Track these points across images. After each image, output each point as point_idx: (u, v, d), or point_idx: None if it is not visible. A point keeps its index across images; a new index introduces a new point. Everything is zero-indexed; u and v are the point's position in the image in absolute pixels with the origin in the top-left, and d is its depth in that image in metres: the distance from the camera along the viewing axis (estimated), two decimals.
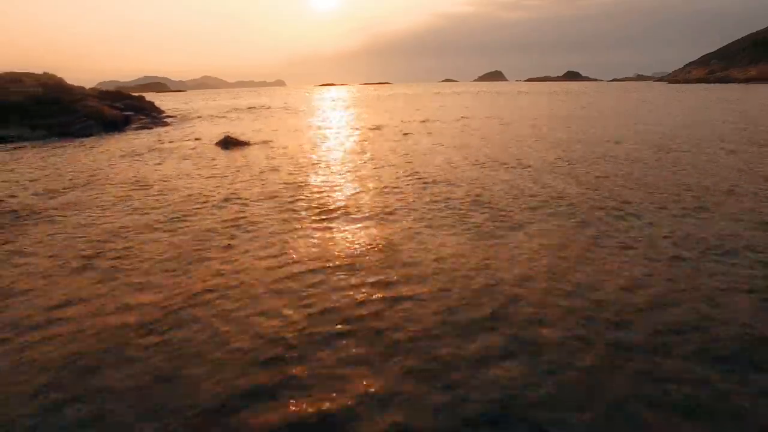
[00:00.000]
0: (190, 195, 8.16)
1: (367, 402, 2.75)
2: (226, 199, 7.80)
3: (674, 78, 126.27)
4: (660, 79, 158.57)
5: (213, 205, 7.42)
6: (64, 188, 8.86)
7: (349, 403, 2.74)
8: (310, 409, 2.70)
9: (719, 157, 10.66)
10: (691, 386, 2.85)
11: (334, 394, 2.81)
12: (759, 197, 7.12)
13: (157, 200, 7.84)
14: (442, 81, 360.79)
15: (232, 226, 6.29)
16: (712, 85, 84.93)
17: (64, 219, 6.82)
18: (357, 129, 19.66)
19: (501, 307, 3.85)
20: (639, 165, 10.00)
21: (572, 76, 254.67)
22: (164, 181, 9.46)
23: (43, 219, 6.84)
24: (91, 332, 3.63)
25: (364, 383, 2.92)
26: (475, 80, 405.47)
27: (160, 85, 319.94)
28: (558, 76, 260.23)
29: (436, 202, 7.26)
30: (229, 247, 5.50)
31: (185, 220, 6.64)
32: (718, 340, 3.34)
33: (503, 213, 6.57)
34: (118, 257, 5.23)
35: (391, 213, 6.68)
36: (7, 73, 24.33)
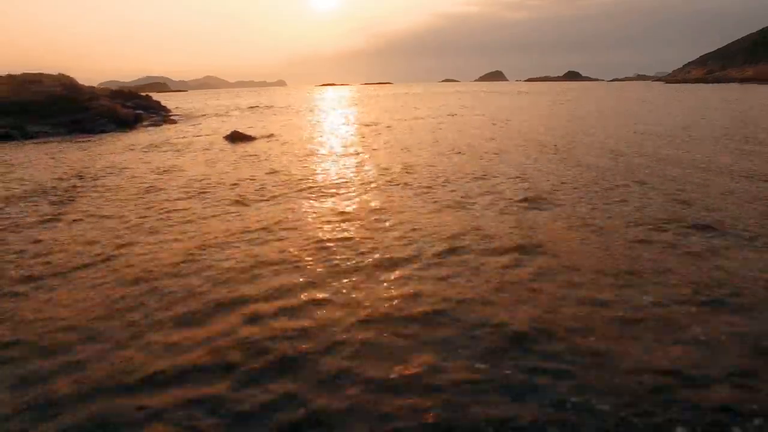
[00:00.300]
0: (208, 176, 9.71)
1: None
2: (239, 179, 9.36)
3: (673, 78, 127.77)
4: (658, 79, 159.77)
5: (229, 183, 8.98)
6: (109, 170, 10.43)
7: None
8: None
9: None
10: None
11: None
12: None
13: (182, 181, 9.38)
14: (443, 81, 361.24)
15: (243, 198, 7.84)
16: (710, 85, 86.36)
17: (119, 189, 8.37)
18: (351, 126, 21.23)
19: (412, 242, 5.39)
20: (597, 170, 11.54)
21: (572, 76, 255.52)
22: (184, 168, 11.02)
23: (105, 188, 8.39)
24: (154, 254, 5.17)
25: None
26: (475, 80, 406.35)
27: (161, 85, 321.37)
28: (558, 76, 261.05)
29: (391, 182, 8.81)
30: (238, 210, 7.04)
31: (206, 193, 8.20)
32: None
33: (412, 185, 8.11)
34: (161, 218, 6.78)
35: (367, 184, 8.23)
36: (26, 74, 25.98)
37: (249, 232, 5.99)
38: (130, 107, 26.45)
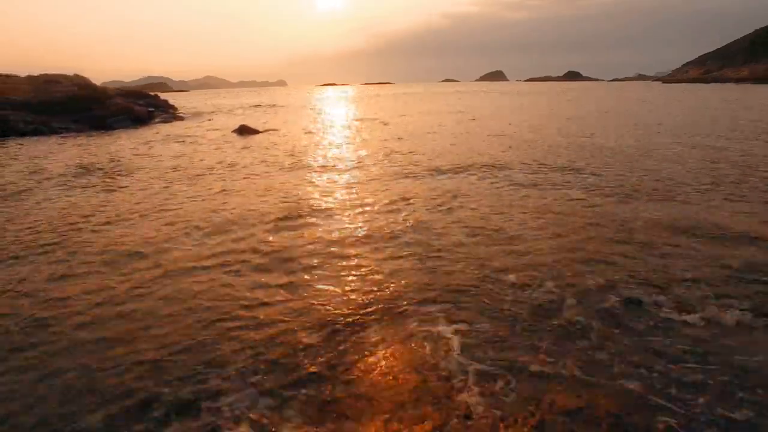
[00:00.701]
0: (224, 160, 11.63)
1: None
2: (251, 162, 11.29)
3: (672, 77, 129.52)
4: (657, 79, 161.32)
5: (243, 165, 10.90)
6: (137, 155, 12.36)
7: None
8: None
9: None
10: None
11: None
12: None
13: (204, 164, 11.31)
14: (443, 81, 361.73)
15: (253, 174, 9.76)
16: (707, 84, 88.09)
17: (151, 168, 10.30)
18: (346, 121, 23.19)
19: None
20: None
21: (573, 76, 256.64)
22: (202, 155, 12.95)
23: (138, 168, 10.32)
24: (190, 212, 7.07)
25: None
26: (476, 80, 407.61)
27: (162, 86, 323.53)
28: (558, 76, 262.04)
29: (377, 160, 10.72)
30: (250, 179, 8.97)
31: (223, 171, 10.12)
32: None
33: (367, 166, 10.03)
34: (192, 183, 8.70)
35: (356, 163, 10.15)
36: (44, 75, 28.04)
37: (261, 191, 7.92)
38: (143, 105, 28.42)
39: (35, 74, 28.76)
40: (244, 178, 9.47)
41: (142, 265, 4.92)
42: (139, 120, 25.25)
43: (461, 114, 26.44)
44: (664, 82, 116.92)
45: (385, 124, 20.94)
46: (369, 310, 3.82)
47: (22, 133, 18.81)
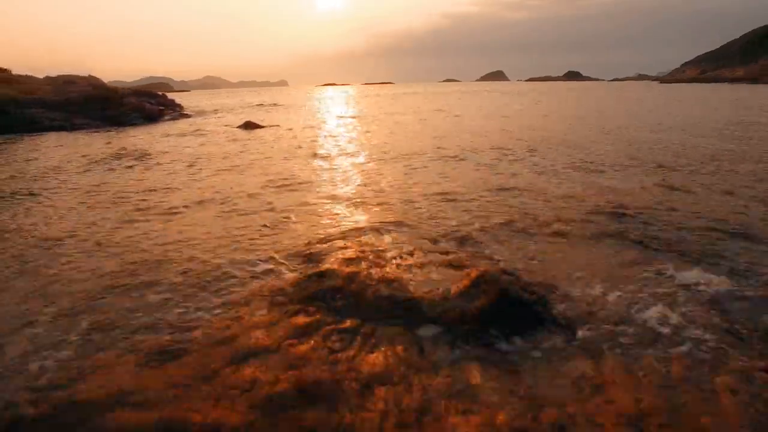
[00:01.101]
0: (235, 148, 13.67)
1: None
2: (257, 149, 13.33)
3: (671, 78, 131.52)
4: (656, 79, 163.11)
5: (250, 152, 12.94)
6: (158, 145, 14.41)
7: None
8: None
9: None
10: None
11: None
12: None
13: (219, 151, 13.36)
14: (444, 81, 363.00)
15: (259, 158, 11.80)
16: (701, 84, 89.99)
17: (173, 155, 12.34)
18: (340, 118, 25.27)
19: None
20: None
21: (573, 75, 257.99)
22: (216, 144, 14.99)
23: (163, 154, 12.36)
24: (216, 183, 9.10)
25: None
26: (476, 80, 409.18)
27: (163, 86, 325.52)
28: (559, 76, 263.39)
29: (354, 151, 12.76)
30: (257, 161, 11.00)
31: (234, 156, 12.16)
32: None
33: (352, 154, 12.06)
34: (212, 164, 10.74)
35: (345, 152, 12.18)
36: (62, 76, 30.20)
37: (266, 169, 9.97)
38: (153, 104, 30.52)
39: (52, 75, 30.88)
40: (253, 159, 11.51)
41: (187, 214, 6.96)
42: (150, 117, 27.32)
43: (449, 114, 28.50)
44: (661, 82, 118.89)
45: (379, 120, 23.01)
46: (334, 230, 5.85)
47: (49, 129, 20.85)
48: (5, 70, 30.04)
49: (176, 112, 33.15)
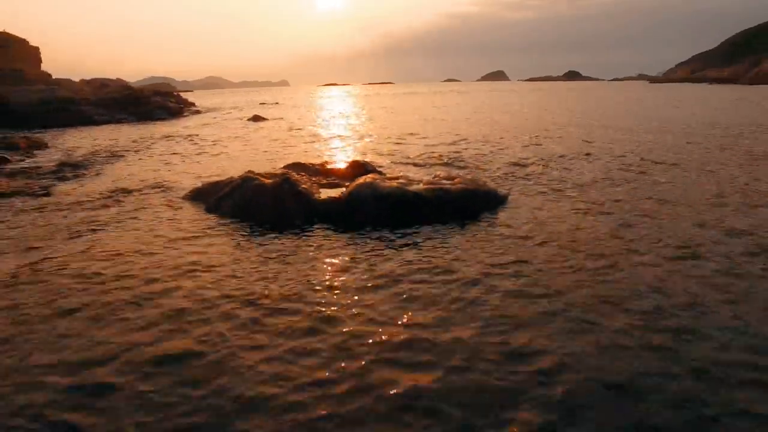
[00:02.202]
0: (249, 133, 19.12)
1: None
2: (266, 134, 18.81)
3: (662, 78, 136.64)
4: (646, 78, 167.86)
5: (261, 136, 18.40)
6: (194, 131, 19.88)
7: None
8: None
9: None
10: None
11: None
12: None
13: (240, 134, 18.83)
14: (445, 81, 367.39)
15: (268, 139, 17.26)
16: (687, 84, 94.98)
17: (209, 135, 17.79)
18: (336, 113, 30.79)
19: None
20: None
21: (572, 75, 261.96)
22: (235, 130, 20.47)
23: (201, 136, 17.80)
24: (244, 151, 14.53)
25: None
26: (477, 80, 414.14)
27: (166, 86, 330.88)
28: (558, 76, 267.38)
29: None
30: (268, 139, 16.46)
31: (250, 137, 17.59)
32: None
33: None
34: (237, 141, 16.22)
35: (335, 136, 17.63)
36: (96, 80, 35.88)
37: (273, 145, 15.43)
38: (174, 102, 36.16)
39: (87, 79, 36.53)
40: (263, 135, 16.99)
41: (237, 165, 12.43)
42: (173, 113, 32.88)
43: (431, 108, 33.99)
44: (651, 82, 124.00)
45: (371, 118, 28.54)
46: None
47: (100, 123, 26.35)
48: (48, 74, 35.75)
49: (191, 109, 38.75)
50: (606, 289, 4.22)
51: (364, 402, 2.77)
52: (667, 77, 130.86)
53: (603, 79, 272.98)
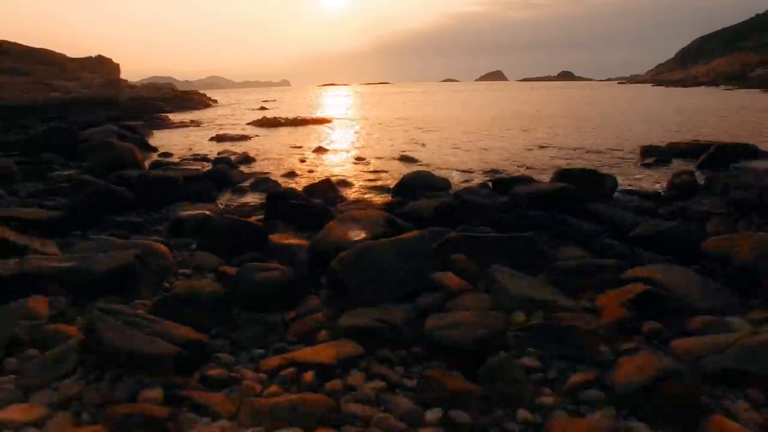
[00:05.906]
0: (267, 115, 34.72)
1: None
2: (278, 114, 34.57)
3: (630, 80, 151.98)
4: (608, 79, 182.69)
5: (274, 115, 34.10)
6: (236, 115, 35.43)
7: None
8: None
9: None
10: None
11: None
12: None
13: (259, 115, 34.48)
14: (443, 81, 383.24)
15: (279, 115, 32.97)
16: (642, 85, 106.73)
17: (243, 116, 33.34)
18: (330, 106, 46.42)
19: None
20: None
21: (566, 75, 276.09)
22: (258, 113, 36.11)
23: (233, 116, 33.35)
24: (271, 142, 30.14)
25: None
26: (476, 80, 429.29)
27: (168, 86, 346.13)
28: (552, 76, 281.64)
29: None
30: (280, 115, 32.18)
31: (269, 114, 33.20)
32: None
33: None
34: (258, 117, 31.97)
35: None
36: (151, 84, 52.15)
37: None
38: (205, 98, 52.21)
39: (147, 83, 52.78)
40: (275, 115, 32.71)
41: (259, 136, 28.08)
42: (207, 105, 48.63)
43: (417, 105, 49.70)
44: (619, 83, 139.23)
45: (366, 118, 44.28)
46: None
47: (165, 111, 42.00)
48: (126, 80, 51.59)
49: (214, 104, 54.65)
50: None
51: None
52: (633, 80, 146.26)
53: (595, 80, 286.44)
